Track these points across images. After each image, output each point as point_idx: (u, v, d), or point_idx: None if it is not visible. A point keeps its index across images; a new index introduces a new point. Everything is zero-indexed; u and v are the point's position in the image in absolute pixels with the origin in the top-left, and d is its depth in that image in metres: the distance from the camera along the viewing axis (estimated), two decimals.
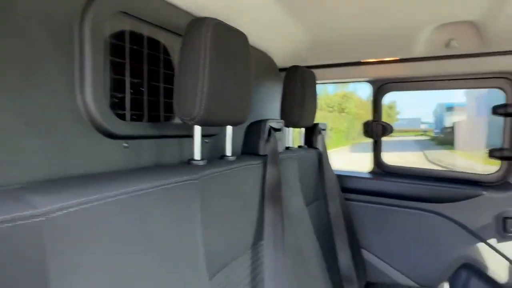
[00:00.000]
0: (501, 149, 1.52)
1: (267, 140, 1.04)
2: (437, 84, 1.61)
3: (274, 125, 1.07)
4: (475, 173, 1.61)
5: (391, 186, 1.66)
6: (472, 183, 1.55)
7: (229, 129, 0.91)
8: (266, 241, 0.86)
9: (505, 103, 1.49)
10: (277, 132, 1.10)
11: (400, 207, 1.64)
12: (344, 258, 1.33)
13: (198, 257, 0.65)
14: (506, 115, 1.50)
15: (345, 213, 1.53)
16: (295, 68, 1.34)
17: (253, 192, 0.91)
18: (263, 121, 1.05)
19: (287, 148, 1.38)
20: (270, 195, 0.93)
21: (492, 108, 1.53)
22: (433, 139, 10.91)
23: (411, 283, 1.63)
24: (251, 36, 1.43)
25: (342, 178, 1.72)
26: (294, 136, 1.45)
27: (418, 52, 1.44)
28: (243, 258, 0.82)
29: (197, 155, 0.78)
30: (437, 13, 1.20)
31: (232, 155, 0.91)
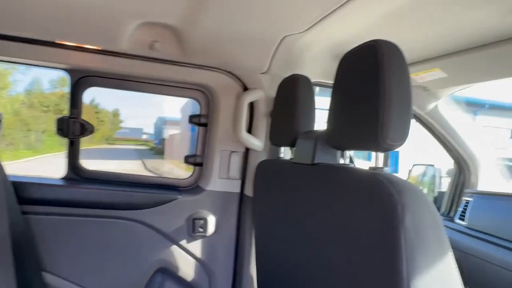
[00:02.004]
0: (194, 156, 1.65)
1: None
2: (142, 87, 1.56)
3: None
4: (173, 178, 1.66)
5: (87, 194, 1.45)
6: (169, 188, 1.59)
7: None
8: None
9: (199, 113, 1.64)
10: None
11: (97, 217, 1.45)
12: None
13: None
14: (199, 124, 1.64)
15: (19, 231, 1.18)
16: None
17: None
18: None
19: None
20: None
21: (189, 116, 1.65)
22: (152, 149, 11.56)
23: None
24: None
25: (22, 186, 1.33)
26: None
27: (123, 47, 1.33)
28: None
29: None
30: (140, 8, 1.12)
31: None
